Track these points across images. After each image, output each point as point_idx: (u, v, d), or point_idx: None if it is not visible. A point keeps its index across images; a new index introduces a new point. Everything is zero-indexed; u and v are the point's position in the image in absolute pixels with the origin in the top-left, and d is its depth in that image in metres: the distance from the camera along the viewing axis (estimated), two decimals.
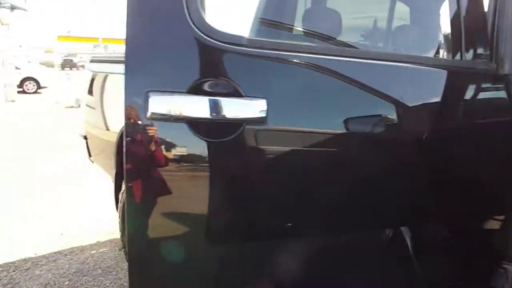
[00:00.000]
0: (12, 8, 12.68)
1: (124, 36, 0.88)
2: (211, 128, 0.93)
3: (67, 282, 2.49)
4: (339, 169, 1.08)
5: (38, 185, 4.35)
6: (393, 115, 1.13)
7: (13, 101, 12.39)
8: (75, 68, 31.54)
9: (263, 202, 1.02)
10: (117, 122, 2.45)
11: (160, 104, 0.88)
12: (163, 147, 0.91)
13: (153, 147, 0.89)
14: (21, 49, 27.44)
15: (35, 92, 15.72)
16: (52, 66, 25.83)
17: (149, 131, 0.89)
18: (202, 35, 0.92)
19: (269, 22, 1.57)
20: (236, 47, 0.98)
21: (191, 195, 0.95)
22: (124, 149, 0.89)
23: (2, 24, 12.16)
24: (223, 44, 0.95)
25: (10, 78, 12.95)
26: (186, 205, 0.97)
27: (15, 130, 7.60)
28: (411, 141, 1.16)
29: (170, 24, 0.91)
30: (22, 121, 8.80)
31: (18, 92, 13.97)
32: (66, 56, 35.95)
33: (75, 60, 35.87)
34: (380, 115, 1.11)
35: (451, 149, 1.19)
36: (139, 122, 0.89)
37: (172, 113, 0.89)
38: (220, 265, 1.05)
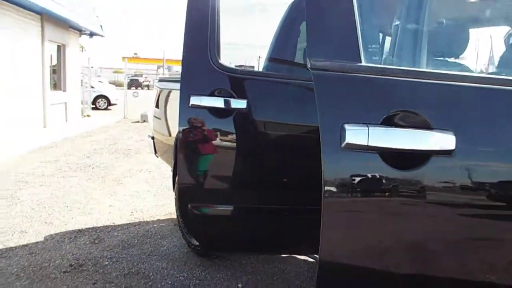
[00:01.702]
0: (91, 34, 14.54)
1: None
2: (218, 112, 1.81)
3: (136, 241, 3.46)
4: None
5: (111, 179, 5.46)
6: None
7: (88, 116, 14.11)
8: (140, 88, 34.15)
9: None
10: (176, 129, 3.38)
11: (197, 101, 1.79)
12: (203, 123, 1.84)
13: (196, 123, 1.84)
14: (92, 70, 30.50)
15: (105, 109, 17.60)
16: (120, 85, 28.17)
17: (193, 114, 1.81)
18: (215, 67, 1.82)
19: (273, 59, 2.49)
20: (231, 73, 1.87)
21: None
22: (178, 120, 1.82)
23: (83, 49, 14.01)
24: (225, 72, 1.85)
25: (86, 96, 14.79)
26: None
27: (91, 140, 8.97)
28: None
29: (202, 62, 1.81)
30: (96, 132, 10.23)
31: (92, 108, 15.82)
32: (132, 76, 38.71)
33: (140, 80, 38.80)
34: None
35: None
36: (186, 109, 1.81)
37: (202, 104, 1.79)
38: None
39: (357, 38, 1.03)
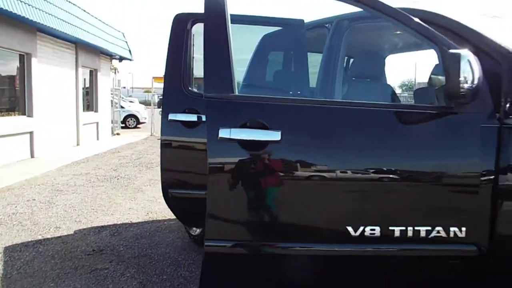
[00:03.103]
0: (121, 59, 15.76)
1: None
2: (187, 124, 2.50)
3: (148, 234, 4.18)
4: None
5: (133, 188, 6.25)
6: None
7: (118, 134, 15.20)
8: None
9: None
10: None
11: (172, 116, 2.48)
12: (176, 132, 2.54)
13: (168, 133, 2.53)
14: (124, 90, 32.31)
15: (135, 127, 18.75)
16: (149, 104, 29.55)
17: (170, 126, 2.51)
18: (186, 93, 2.52)
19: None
20: (197, 97, 2.56)
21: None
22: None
23: (116, 71, 15.22)
24: (193, 96, 2.54)
25: (116, 116, 15.94)
26: None
27: (119, 155, 9.89)
28: None
29: (177, 90, 2.51)
30: (124, 148, 11.19)
31: (122, 127, 16.97)
32: (161, 96, 40.14)
33: None
34: None
35: None
36: (166, 123, 2.51)
37: (175, 118, 2.49)
38: None
39: (232, 79, 1.70)
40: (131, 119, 19.04)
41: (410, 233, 1.62)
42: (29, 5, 8.13)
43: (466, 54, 1.52)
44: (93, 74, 13.21)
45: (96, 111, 13.21)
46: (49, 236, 4.05)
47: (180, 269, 3.31)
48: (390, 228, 1.63)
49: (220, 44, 1.69)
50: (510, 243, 1.63)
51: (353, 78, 2.67)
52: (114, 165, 8.42)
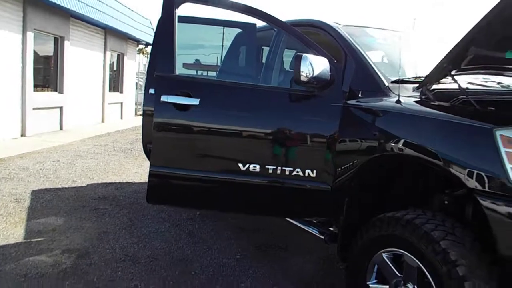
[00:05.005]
0: (147, 44, 16.90)
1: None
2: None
3: (145, 190, 5.15)
4: None
5: (142, 158, 7.27)
6: None
7: (141, 115, 16.34)
8: None
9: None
10: None
11: (151, 91, 3.42)
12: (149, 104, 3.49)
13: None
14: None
15: None
16: None
17: (147, 101, 3.45)
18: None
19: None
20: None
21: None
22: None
23: (148, 56, 16.50)
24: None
25: (141, 98, 17.15)
26: None
27: (137, 132, 10.97)
28: None
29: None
30: None
31: None
32: None
33: None
34: None
35: None
36: (146, 97, 3.45)
37: (152, 92, 3.40)
38: None
39: (174, 63, 2.58)
40: None
41: (279, 171, 2.49)
42: None
43: (307, 56, 2.35)
44: (120, 57, 14.36)
45: (121, 92, 14.39)
46: (66, 186, 5.11)
47: (163, 213, 4.28)
48: (266, 167, 2.50)
49: (168, 38, 2.60)
50: (344, 183, 2.46)
51: (288, 70, 3.54)
52: (131, 140, 9.51)
